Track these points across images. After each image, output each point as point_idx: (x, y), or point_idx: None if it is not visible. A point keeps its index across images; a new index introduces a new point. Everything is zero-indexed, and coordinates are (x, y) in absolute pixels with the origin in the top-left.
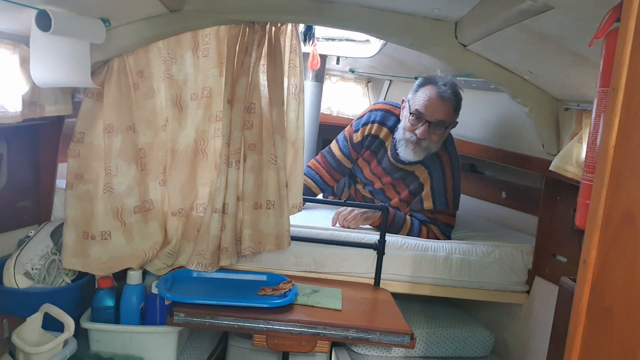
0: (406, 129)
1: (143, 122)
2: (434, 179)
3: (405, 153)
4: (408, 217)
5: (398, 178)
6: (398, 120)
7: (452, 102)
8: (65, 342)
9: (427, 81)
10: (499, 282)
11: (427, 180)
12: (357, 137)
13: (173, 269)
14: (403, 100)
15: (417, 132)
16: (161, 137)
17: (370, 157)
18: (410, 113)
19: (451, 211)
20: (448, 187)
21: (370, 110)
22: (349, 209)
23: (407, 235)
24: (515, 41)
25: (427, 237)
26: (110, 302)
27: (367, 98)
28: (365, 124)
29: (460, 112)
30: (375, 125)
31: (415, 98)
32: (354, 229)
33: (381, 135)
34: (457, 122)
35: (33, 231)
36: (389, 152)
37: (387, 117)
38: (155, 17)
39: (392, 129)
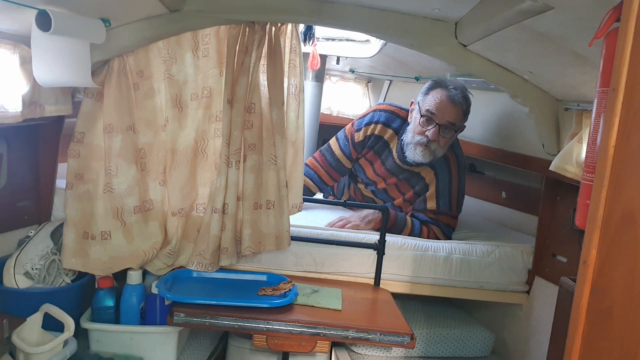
0: (416, 131)
1: (143, 122)
2: (440, 180)
3: (414, 155)
4: (409, 218)
5: (403, 179)
6: (403, 122)
7: (462, 106)
8: (65, 342)
9: (437, 84)
10: (499, 282)
11: (433, 180)
12: (358, 136)
13: (173, 269)
14: (412, 103)
15: (428, 133)
16: (161, 137)
17: (373, 158)
18: (421, 115)
19: (454, 213)
20: (453, 188)
21: (374, 111)
22: (345, 219)
23: (408, 235)
24: (515, 41)
25: (428, 237)
26: (110, 302)
27: (367, 98)
28: (368, 124)
29: None
30: (379, 126)
31: (425, 100)
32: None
33: (386, 137)
34: (465, 127)
35: (33, 231)
36: (394, 154)
37: (392, 119)
38: (155, 17)
39: (398, 131)
